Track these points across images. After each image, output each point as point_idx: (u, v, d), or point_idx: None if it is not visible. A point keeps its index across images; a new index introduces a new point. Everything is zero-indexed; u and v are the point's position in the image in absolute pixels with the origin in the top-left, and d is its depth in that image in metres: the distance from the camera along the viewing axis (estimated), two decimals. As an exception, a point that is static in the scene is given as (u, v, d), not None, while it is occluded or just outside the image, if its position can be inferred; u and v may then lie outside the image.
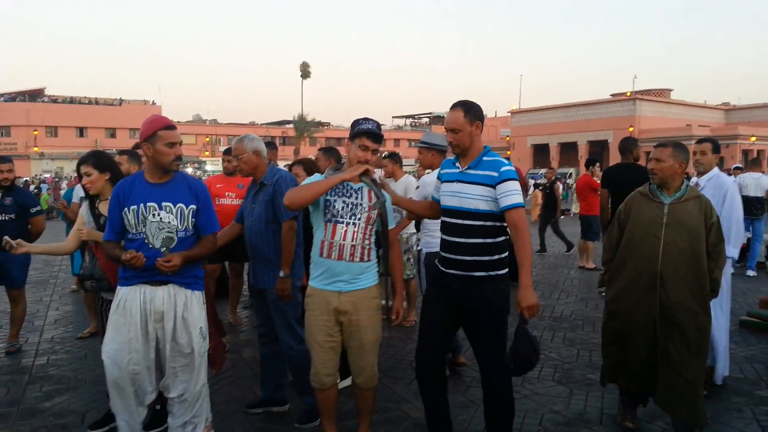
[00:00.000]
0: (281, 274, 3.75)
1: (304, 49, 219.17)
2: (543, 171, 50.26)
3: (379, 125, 3.27)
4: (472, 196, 3.11)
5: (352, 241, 3.15)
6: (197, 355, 3.17)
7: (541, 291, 8.01)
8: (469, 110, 3.16)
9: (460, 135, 3.14)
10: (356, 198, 3.20)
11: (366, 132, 3.17)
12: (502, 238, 3.17)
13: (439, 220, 3.35)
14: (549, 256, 11.39)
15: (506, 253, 3.20)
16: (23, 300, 5.71)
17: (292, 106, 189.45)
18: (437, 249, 3.36)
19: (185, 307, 3.13)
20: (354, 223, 3.16)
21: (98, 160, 3.84)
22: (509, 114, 64.02)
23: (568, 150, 56.11)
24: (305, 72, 63.44)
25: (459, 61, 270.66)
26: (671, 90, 62.57)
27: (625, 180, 5.88)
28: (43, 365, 5.17)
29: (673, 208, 3.51)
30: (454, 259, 3.18)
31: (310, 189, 3.10)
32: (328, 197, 3.17)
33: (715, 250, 3.51)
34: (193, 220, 3.17)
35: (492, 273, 3.13)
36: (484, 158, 3.16)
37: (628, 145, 6.17)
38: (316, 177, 3.32)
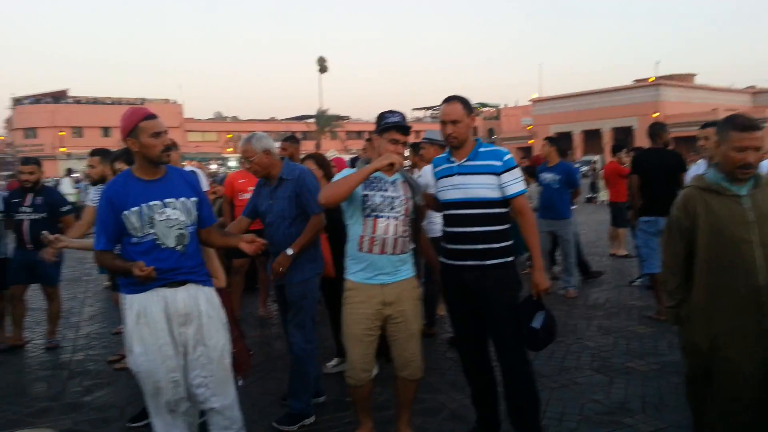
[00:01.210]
0: (288, 251, 3.63)
1: (320, 42, 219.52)
2: (596, 158, 49.40)
3: (405, 117, 3.25)
4: (476, 186, 3.15)
5: (394, 234, 3.14)
6: (226, 354, 3.01)
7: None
8: (466, 103, 3.23)
9: (460, 126, 3.18)
10: (393, 191, 3.18)
11: (395, 125, 3.17)
12: (507, 225, 3.24)
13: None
14: (581, 244, 11.20)
15: (512, 241, 3.27)
16: (58, 297, 5.81)
17: (312, 101, 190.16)
18: (438, 234, 3.37)
19: (208, 304, 2.96)
20: (395, 217, 3.15)
21: (131, 155, 3.83)
22: (530, 103, 63.37)
23: (592, 137, 55.38)
24: (323, 66, 63.53)
25: (477, 50, 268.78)
26: (695, 74, 61.31)
27: (655, 165, 5.76)
28: (81, 360, 5.24)
29: (754, 199, 2.69)
30: (466, 249, 3.19)
31: (343, 184, 3.06)
32: (366, 192, 3.14)
33: None
34: (196, 213, 2.99)
35: (502, 260, 3.19)
36: (480, 149, 3.22)
37: (657, 129, 6.04)
38: (348, 172, 3.28)
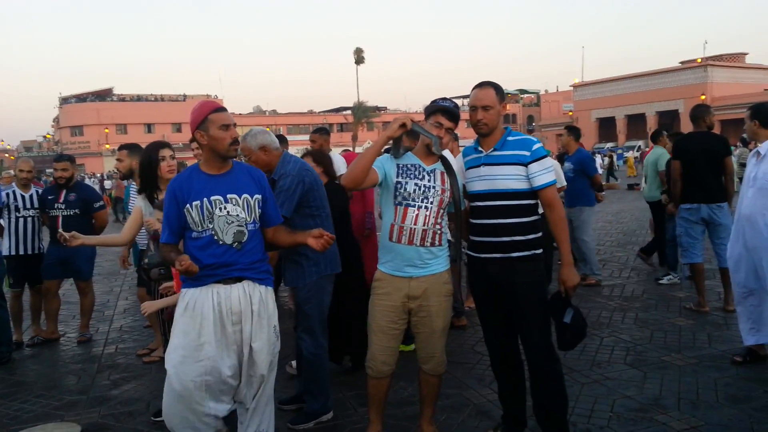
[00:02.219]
0: None
1: (356, 34, 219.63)
2: (609, 145, 48.43)
3: (456, 105, 3.14)
4: (502, 177, 3.02)
5: (424, 225, 3.02)
6: (268, 356, 2.92)
7: (610, 270, 7.66)
8: (499, 89, 3.08)
9: (492, 113, 3.04)
10: (429, 180, 3.06)
11: (441, 109, 3.08)
12: (535, 217, 3.10)
13: None
14: (618, 233, 10.91)
15: (540, 233, 3.13)
16: (91, 291, 5.92)
17: (349, 92, 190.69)
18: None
19: (261, 304, 2.86)
20: (426, 207, 3.03)
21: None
22: (571, 88, 62.09)
23: (636, 122, 53.96)
24: (359, 57, 63.47)
25: (515, 35, 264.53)
26: (746, 54, 58.88)
27: (698, 150, 5.49)
28: (111, 354, 5.32)
29: None
30: (490, 242, 3.07)
31: (358, 161, 2.98)
32: (399, 179, 3.05)
33: None
34: (259, 210, 2.91)
35: (529, 253, 3.05)
36: (509, 138, 3.08)
37: (700, 112, 5.75)
38: (381, 158, 3.15)
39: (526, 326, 3.10)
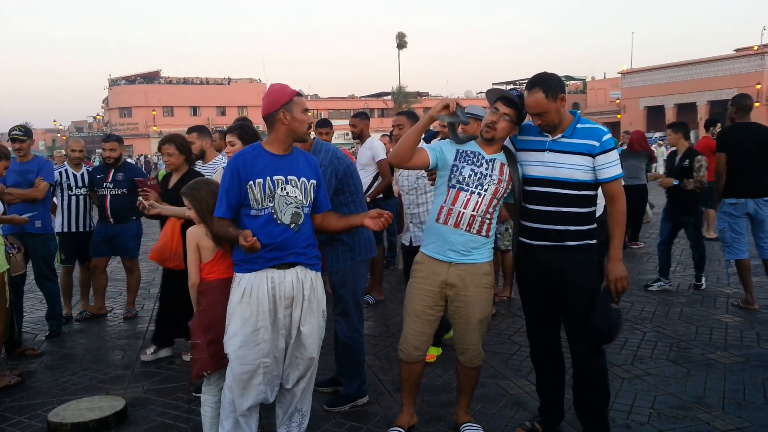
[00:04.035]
0: None
1: (399, 18, 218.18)
2: (658, 135, 47.10)
3: (520, 94, 3.11)
4: (567, 166, 2.94)
5: (473, 211, 3.00)
6: (320, 340, 3.02)
7: (655, 263, 7.45)
8: (549, 88, 2.92)
9: (547, 117, 2.95)
10: (486, 168, 3.03)
11: (500, 96, 3.07)
12: (593, 208, 3.04)
13: None
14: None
15: (595, 224, 3.07)
16: (137, 269, 6.08)
17: (390, 78, 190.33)
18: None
19: (312, 290, 2.94)
20: (479, 193, 3.00)
21: (243, 131, 3.83)
22: (619, 75, 60.42)
23: (686, 111, 52.14)
24: (401, 42, 63.10)
25: (564, 20, 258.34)
26: (808, 40, 56.18)
27: (744, 142, 5.27)
28: (156, 331, 5.45)
29: None
30: (544, 229, 3.02)
31: (404, 139, 3.02)
32: (456, 162, 3.05)
33: None
34: (313, 195, 2.99)
35: (582, 242, 3.00)
36: (579, 126, 2.98)
37: (748, 102, 5.52)
38: (439, 142, 3.18)
39: (572, 316, 3.05)
